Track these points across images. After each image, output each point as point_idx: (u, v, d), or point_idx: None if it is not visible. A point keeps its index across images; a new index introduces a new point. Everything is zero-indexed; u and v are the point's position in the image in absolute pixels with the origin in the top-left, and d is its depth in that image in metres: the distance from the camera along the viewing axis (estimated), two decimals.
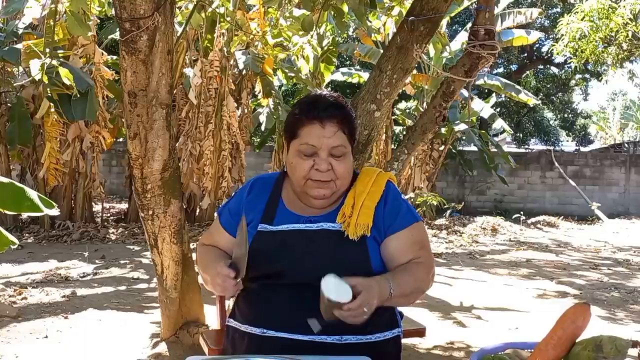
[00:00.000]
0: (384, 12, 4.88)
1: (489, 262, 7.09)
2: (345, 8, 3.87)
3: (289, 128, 1.54)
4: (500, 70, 19.08)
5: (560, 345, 1.10)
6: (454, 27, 15.29)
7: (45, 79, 4.64)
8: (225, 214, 1.64)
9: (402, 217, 1.54)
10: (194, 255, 2.77)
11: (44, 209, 2.02)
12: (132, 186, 3.48)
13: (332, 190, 1.51)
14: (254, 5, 7.71)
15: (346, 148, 1.51)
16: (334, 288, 1.26)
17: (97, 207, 9.26)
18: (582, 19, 7.36)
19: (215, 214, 1.71)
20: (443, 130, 11.39)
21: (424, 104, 11.19)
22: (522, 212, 11.30)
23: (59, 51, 6.65)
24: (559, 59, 15.52)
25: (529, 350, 1.21)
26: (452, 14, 10.55)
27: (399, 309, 1.63)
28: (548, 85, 19.45)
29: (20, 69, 7.51)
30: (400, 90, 3.52)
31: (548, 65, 19.32)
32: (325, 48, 9.83)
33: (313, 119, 1.48)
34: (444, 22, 9.62)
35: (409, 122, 11.41)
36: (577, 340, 1.12)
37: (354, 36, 12.34)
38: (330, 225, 1.52)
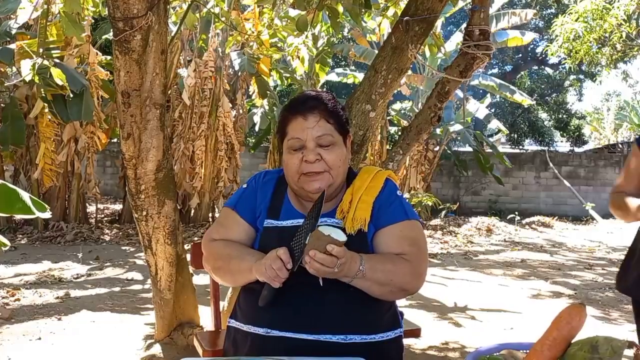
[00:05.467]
0: (379, 13, 4.87)
1: (484, 262, 7.10)
2: (340, 8, 3.86)
3: (279, 129, 1.59)
4: (495, 70, 19.17)
5: (556, 346, 1.09)
6: (448, 28, 15.35)
7: (37, 79, 4.61)
8: (242, 205, 1.62)
9: (392, 212, 1.54)
10: (188, 256, 2.76)
11: (35, 212, 2.00)
12: (126, 187, 3.46)
13: (327, 182, 1.51)
14: (249, 6, 7.70)
15: (333, 137, 1.53)
16: (332, 230, 1.33)
17: (91, 208, 9.22)
18: (576, 20, 7.39)
19: (225, 208, 1.66)
20: (438, 130, 11.41)
21: (419, 105, 11.20)
22: (516, 213, 11.33)
23: (53, 51, 6.61)
24: (553, 60, 15.60)
25: (524, 351, 1.21)
26: (447, 15, 10.58)
27: (400, 308, 1.63)
28: (542, 86, 19.55)
29: (14, 69, 7.46)
30: (396, 91, 3.51)
31: (542, 66, 19.43)
32: (321, 48, 9.83)
33: (296, 113, 1.54)
34: (439, 23, 9.64)
35: (404, 123, 11.42)
36: (572, 341, 1.11)
37: (349, 37, 12.35)
38: (334, 221, 1.53)
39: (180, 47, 8.56)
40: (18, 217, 7.06)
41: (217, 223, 1.67)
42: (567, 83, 19.51)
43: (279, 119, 1.60)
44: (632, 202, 1.93)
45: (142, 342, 3.47)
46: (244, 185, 1.67)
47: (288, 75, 10.09)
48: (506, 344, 1.26)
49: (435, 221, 10.72)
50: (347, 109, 2.79)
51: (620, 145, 17.81)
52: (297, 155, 1.51)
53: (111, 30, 2.57)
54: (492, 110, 15.57)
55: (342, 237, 1.33)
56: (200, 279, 4.63)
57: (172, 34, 5.66)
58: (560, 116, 18.98)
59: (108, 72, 7.63)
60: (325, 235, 1.31)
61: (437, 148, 11.77)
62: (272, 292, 1.40)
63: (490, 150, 12.13)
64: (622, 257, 2.07)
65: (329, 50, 10.20)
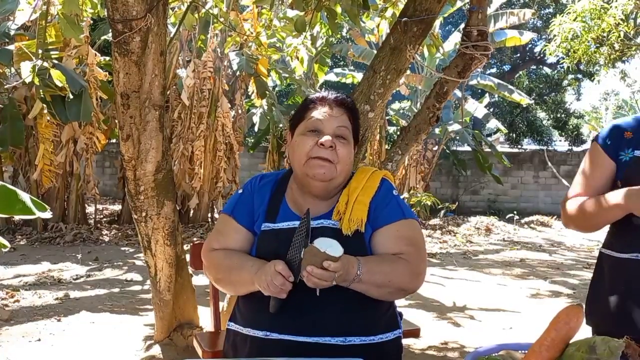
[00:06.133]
0: (377, 14, 4.88)
1: (483, 262, 7.11)
2: (339, 9, 3.86)
3: (297, 114, 1.59)
4: (494, 70, 19.15)
5: (554, 347, 1.10)
6: (447, 28, 15.35)
7: (36, 80, 4.61)
8: (239, 211, 1.60)
9: (389, 211, 1.54)
10: (187, 257, 2.76)
11: (36, 212, 2.00)
12: (125, 187, 3.46)
13: (331, 174, 1.51)
14: (248, 6, 7.70)
15: (349, 134, 1.56)
16: (328, 245, 1.34)
17: (90, 209, 9.22)
18: (574, 20, 7.38)
19: (222, 215, 1.65)
20: (437, 130, 11.42)
21: (418, 104, 11.21)
22: (515, 212, 11.34)
23: (52, 52, 6.60)
24: (551, 60, 15.58)
25: (523, 351, 1.22)
26: (445, 15, 10.59)
27: (399, 308, 1.63)
28: (541, 86, 19.52)
29: (12, 70, 7.45)
30: (394, 91, 3.52)
31: (541, 66, 19.41)
32: (319, 49, 9.83)
33: (323, 101, 1.56)
34: (437, 23, 9.64)
35: (403, 123, 11.43)
36: (570, 342, 1.12)
37: (348, 37, 12.36)
38: (330, 222, 1.53)
39: (179, 48, 8.56)
40: (17, 218, 7.05)
41: (215, 231, 1.65)
42: (565, 82, 19.50)
43: (301, 105, 1.61)
44: (610, 195, 1.53)
45: (141, 343, 3.47)
46: (240, 191, 1.66)
47: (287, 75, 10.09)
48: (504, 344, 1.27)
49: (434, 221, 10.73)
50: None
51: None
52: (312, 137, 1.51)
53: (110, 31, 2.56)
54: (491, 109, 15.55)
55: (339, 252, 1.33)
56: (200, 280, 4.63)
57: (171, 35, 5.66)
58: (558, 115, 18.96)
59: (107, 73, 7.63)
60: (321, 252, 1.32)
61: (436, 148, 11.78)
62: (279, 301, 1.42)
63: (489, 150, 12.14)
64: None
65: (328, 50, 10.20)
